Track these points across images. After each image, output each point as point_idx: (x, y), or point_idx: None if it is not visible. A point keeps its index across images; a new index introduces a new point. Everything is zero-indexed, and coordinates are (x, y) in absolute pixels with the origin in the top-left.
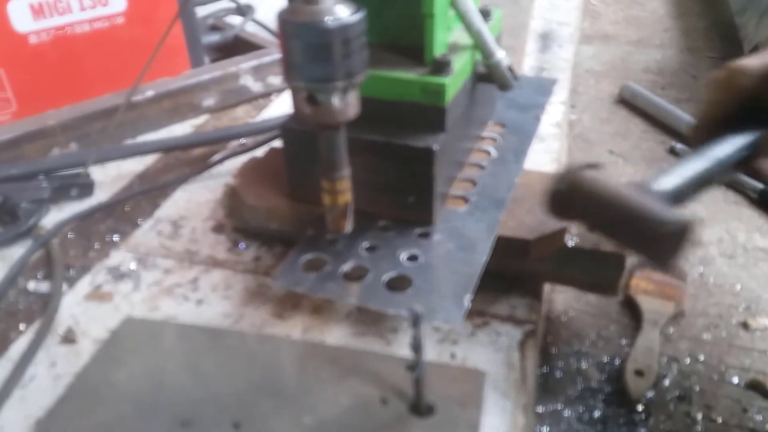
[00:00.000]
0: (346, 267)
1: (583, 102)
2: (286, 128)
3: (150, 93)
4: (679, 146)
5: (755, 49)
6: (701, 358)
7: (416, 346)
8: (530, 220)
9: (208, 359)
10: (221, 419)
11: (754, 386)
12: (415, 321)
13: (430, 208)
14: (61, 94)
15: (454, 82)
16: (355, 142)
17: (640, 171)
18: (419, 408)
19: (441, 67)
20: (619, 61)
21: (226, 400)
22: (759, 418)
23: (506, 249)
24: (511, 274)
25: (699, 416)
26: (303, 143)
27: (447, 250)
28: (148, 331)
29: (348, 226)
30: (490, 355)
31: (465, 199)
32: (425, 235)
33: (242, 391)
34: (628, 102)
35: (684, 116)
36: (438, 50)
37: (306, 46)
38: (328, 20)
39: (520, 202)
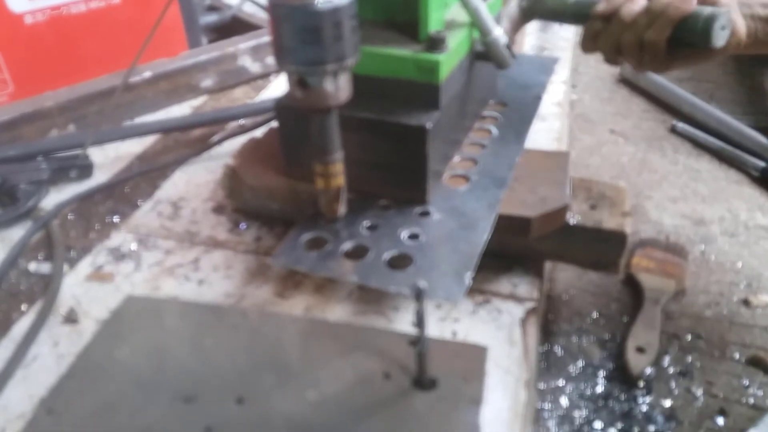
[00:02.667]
0: (347, 246)
1: (584, 82)
2: (280, 105)
3: (147, 74)
4: (680, 125)
5: None
6: (702, 335)
7: (419, 321)
8: (532, 198)
9: (210, 336)
10: (224, 395)
11: (755, 362)
12: (418, 296)
13: (423, 186)
14: (59, 75)
15: (448, 60)
16: (349, 120)
17: (641, 150)
18: (422, 382)
19: (435, 44)
20: None
21: (228, 376)
22: (760, 393)
23: (507, 227)
24: (513, 252)
25: (699, 392)
26: (298, 121)
27: (448, 228)
28: (149, 309)
29: (341, 210)
30: (492, 332)
31: (466, 178)
32: (426, 214)
33: (245, 367)
34: (629, 81)
35: (685, 95)
36: (433, 27)
37: (296, 29)
38: (319, 3)
39: (522, 181)
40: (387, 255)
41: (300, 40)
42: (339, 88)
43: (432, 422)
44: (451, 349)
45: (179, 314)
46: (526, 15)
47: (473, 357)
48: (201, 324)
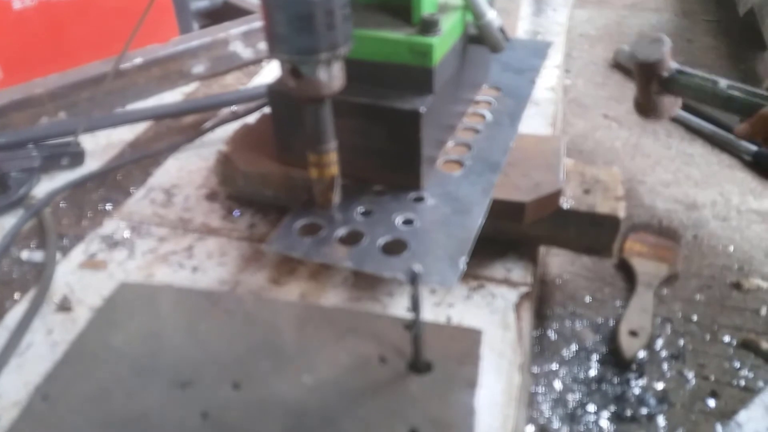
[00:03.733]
0: (341, 232)
1: (578, 66)
2: (273, 90)
3: (139, 60)
4: None
5: (750, 13)
6: (694, 318)
7: (414, 305)
8: (525, 183)
9: (205, 322)
10: (221, 380)
11: (746, 345)
12: (413, 280)
13: (417, 171)
14: (48, 61)
15: (442, 43)
16: (341, 105)
17: (635, 135)
18: (418, 365)
19: (429, 26)
20: (613, 25)
21: (225, 361)
22: (750, 375)
23: (502, 212)
24: (507, 237)
25: (691, 375)
26: (291, 106)
27: (442, 213)
28: (143, 295)
29: (335, 199)
30: (486, 317)
31: (460, 164)
32: (420, 200)
33: (241, 353)
34: (622, 66)
35: None
36: (426, 10)
37: (289, 17)
38: None
39: (516, 166)
40: (381, 240)
41: (293, 29)
42: (332, 77)
43: (428, 405)
44: (446, 333)
45: (173, 300)
46: (663, 84)
47: (468, 340)
48: (196, 310)
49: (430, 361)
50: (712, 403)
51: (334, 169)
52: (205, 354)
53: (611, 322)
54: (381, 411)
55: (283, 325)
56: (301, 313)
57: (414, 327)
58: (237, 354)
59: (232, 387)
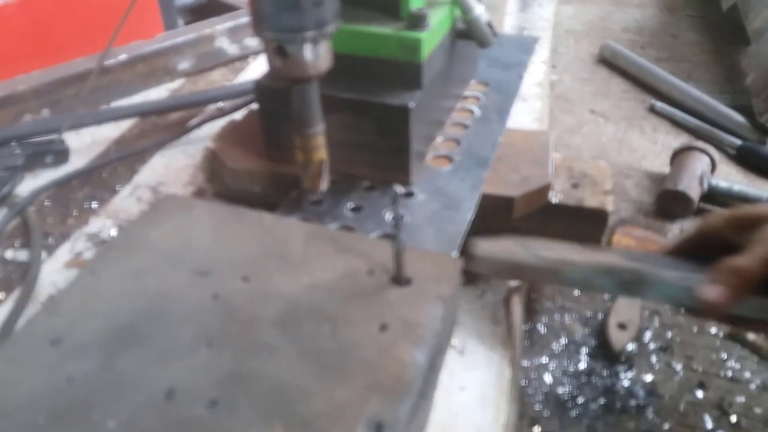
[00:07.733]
0: (332, 227)
1: (564, 62)
2: (260, 85)
3: (123, 57)
4: (658, 104)
5: (733, 8)
6: (682, 310)
7: (396, 223)
8: (514, 177)
9: (229, 229)
10: (233, 273)
11: (733, 336)
12: (395, 199)
13: (407, 167)
14: (32, 58)
15: (430, 38)
16: (330, 100)
17: (621, 129)
18: (399, 279)
19: (417, 21)
20: (598, 20)
21: (239, 260)
22: (737, 366)
23: (491, 207)
24: (496, 231)
25: (679, 366)
26: (278, 101)
27: (432, 209)
28: (182, 204)
29: (323, 185)
30: (477, 311)
31: (449, 159)
32: (410, 195)
33: (254, 255)
34: (608, 61)
35: (664, 75)
36: (414, 5)
37: None
38: None
39: (504, 161)
40: (372, 236)
41: (278, 6)
42: (319, 56)
43: (401, 308)
44: (430, 257)
45: (206, 211)
46: None
47: (447, 265)
48: (223, 220)
49: (410, 278)
50: (700, 394)
51: (321, 153)
52: (223, 253)
53: (600, 316)
54: (361, 309)
55: (294, 239)
56: (311, 231)
57: (396, 243)
58: (250, 256)
59: (241, 279)
